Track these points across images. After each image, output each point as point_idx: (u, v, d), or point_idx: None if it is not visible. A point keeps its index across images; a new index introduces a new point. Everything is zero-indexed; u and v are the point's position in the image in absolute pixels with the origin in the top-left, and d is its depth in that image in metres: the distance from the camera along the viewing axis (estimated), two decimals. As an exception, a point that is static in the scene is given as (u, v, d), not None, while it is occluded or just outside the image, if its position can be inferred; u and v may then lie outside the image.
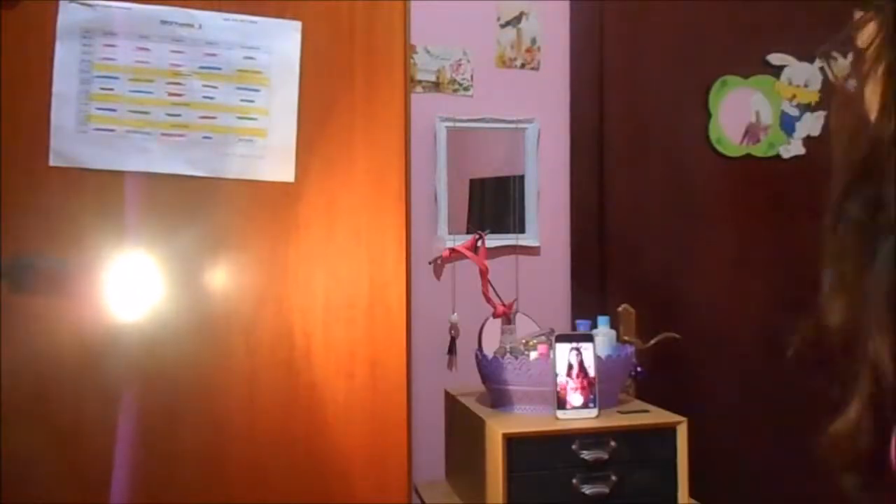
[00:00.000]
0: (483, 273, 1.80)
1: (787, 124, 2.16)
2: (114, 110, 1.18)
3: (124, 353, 1.16)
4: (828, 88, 2.17)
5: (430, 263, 1.99)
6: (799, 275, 2.30)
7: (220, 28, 1.21)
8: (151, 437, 1.17)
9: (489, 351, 1.69)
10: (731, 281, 2.13)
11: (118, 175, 1.18)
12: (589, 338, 1.59)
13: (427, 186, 2.00)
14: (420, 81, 2.00)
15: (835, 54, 0.57)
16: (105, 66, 1.17)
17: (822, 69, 2.16)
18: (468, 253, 1.84)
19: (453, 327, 1.99)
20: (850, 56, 0.55)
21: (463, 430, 1.72)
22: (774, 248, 2.15)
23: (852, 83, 0.55)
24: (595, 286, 2.06)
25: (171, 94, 1.19)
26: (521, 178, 2.06)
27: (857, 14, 0.54)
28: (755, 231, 2.16)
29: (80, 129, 1.16)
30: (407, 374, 1.28)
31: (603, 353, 1.62)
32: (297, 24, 1.24)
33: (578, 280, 2.09)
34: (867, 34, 0.53)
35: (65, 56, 1.16)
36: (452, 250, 1.93)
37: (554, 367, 1.56)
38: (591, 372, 1.56)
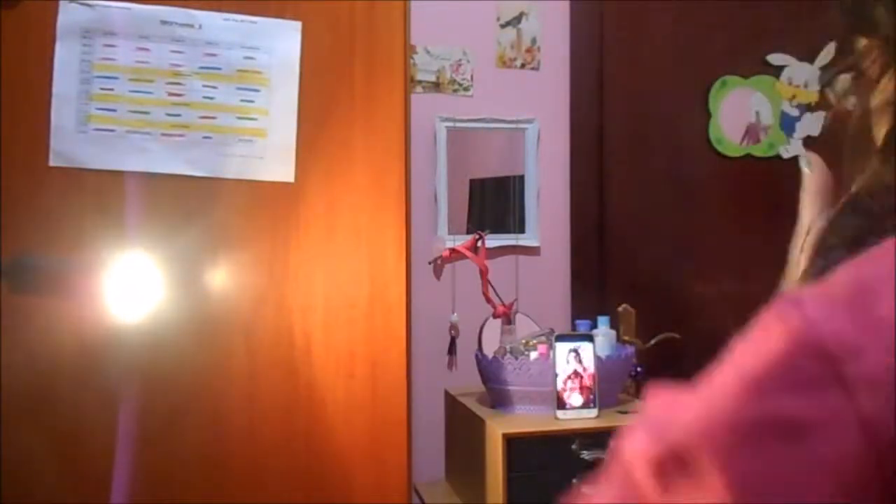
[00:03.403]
0: (483, 273, 1.80)
1: (787, 124, 2.17)
2: (114, 110, 1.18)
3: (124, 353, 1.16)
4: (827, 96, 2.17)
5: (430, 263, 1.99)
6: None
7: (220, 28, 1.21)
8: (151, 437, 1.17)
9: (489, 351, 1.70)
10: (731, 281, 2.13)
11: (118, 175, 1.17)
12: (589, 338, 1.59)
13: (427, 186, 2.00)
14: (420, 81, 2.00)
15: (837, 78, 0.57)
16: (105, 66, 1.17)
17: (824, 67, 2.16)
18: (468, 253, 1.84)
19: (453, 327, 1.98)
20: (851, 79, 0.56)
21: (463, 430, 1.72)
22: (774, 248, 2.15)
23: (852, 101, 0.55)
24: (595, 286, 2.06)
25: (171, 94, 1.19)
26: (521, 178, 2.06)
27: (863, 41, 0.54)
28: (755, 231, 2.16)
29: (80, 129, 1.16)
30: (407, 374, 1.28)
31: (603, 353, 1.62)
32: (297, 24, 1.24)
33: (578, 280, 2.09)
34: (873, 61, 0.53)
35: (65, 56, 1.16)
36: (452, 250, 1.93)
37: (554, 367, 1.56)
38: (591, 372, 1.56)
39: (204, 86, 1.20)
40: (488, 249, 1.90)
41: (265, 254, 1.23)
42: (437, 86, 2.02)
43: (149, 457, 1.17)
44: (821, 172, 0.59)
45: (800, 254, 0.56)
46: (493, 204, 2.09)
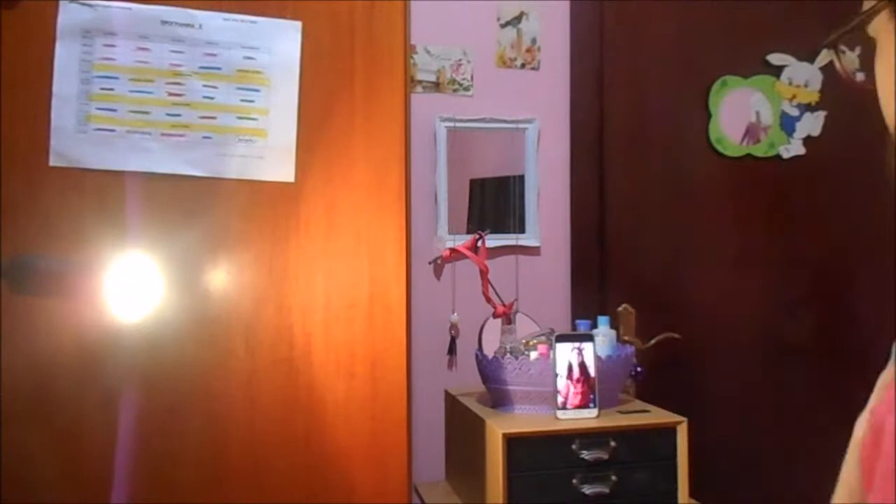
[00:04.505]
0: (483, 273, 1.80)
1: (787, 124, 2.17)
2: (114, 110, 1.18)
3: (124, 353, 1.16)
4: (828, 88, 2.17)
5: (430, 263, 1.99)
6: (798, 275, 2.32)
7: (220, 28, 1.21)
8: (151, 437, 1.17)
9: (489, 351, 1.69)
10: (731, 281, 2.13)
11: (118, 175, 1.18)
12: (589, 338, 1.59)
13: (427, 186, 2.00)
14: (420, 81, 2.00)
15: (843, 47, 0.57)
16: (105, 66, 1.17)
17: (824, 67, 2.16)
18: (468, 253, 1.84)
19: (453, 327, 1.99)
20: (858, 49, 0.55)
21: (463, 430, 1.72)
22: (774, 248, 2.16)
23: (861, 76, 0.55)
24: (595, 286, 2.06)
25: (171, 94, 1.19)
26: (521, 178, 2.06)
27: (867, 4, 0.53)
28: (755, 231, 2.16)
29: (80, 129, 1.16)
30: (407, 374, 1.28)
31: (603, 353, 1.62)
32: (297, 24, 1.24)
33: (578, 280, 2.09)
34: (881, 23, 0.52)
35: (65, 56, 1.16)
36: (452, 250, 1.93)
37: (554, 367, 1.56)
38: (591, 372, 1.56)
39: (204, 86, 1.20)
40: (488, 249, 1.90)
41: (265, 254, 1.23)
42: (437, 86, 2.02)
43: (149, 457, 1.17)
44: None
45: None
46: (493, 204, 2.09)
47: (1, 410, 1.11)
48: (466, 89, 2.03)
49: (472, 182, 2.07)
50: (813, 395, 2.14)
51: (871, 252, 2.18)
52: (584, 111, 2.08)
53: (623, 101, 2.09)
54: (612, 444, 1.51)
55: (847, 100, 2.17)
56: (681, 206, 2.12)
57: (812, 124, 2.17)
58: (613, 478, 1.50)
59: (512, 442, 1.47)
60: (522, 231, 2.06)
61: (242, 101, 1.22)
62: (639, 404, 1.69)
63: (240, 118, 1.22)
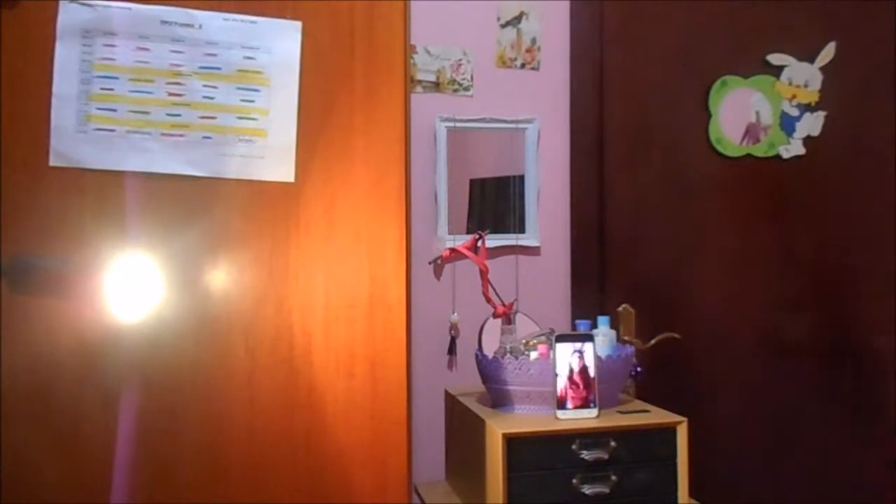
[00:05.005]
0: (483, 273, 1.80)
1: (787, 124, 2.17)
2: (114, 110, 1.18)
3: (124, 353, 1.16)
4: (828, 88, 2.17)
5: (430, 263, 1.99)
6: (799, 275, 2.32)
7: (220, 28, 1.21)
8: (151, 437, 1.17)
9: (489, 351, 1.69)
10: (731, 281, 2.13)
11: (118, 175, 1.18)
12: (589, 338, 1.59)
13: (427, 186, 2.00)
14: (420, 81, 2.00)
15: None
16: (105, 66, 1.17)
17: (824, 67, 2.16)
18: (468, 253, 1.84)
19: (453, 327, 1.99)
20: None
21: (463, 430, 1.72)
22: (774, 248, 2.16)
23: None
24: (595, 286, 2.06)
25: (171, 94, 1.19)
26: (521, 178, 2.07)
27: None
28: (755, 231, 2.16)
29: (80, 129, 1.16)
30: (407, 374, 1.28)
31: (603, 353, 1.62)
32: (297, 24, 1.24)
33: (578, 280, 2.09)
34: None
35: (65, 56, 1.16)
36: (452, 250, 1.93)
37: (554, 367, 1.56)
38: (591, 372, 1.56)
39: (204, 86, 1.21)
40: (488, 249, 1.90)
41: (265, 254, 1.23)
42: (437, 86, 2.02)
43: (148, 456, 1.17)
44: None
45: None
46: (493, 204, 2.09)
47: (1, 410, 1.11)
48: (466, 89, 2.03)
49: (472, 182, 2.07)
50: (813, 395, 2.14)
51: (871, 252, 2.18)
52: (584, 111, 2.09)
53: (623, 101, 2.09)
54: (612, 444, 1.51)
55: (847, 100, 2.18)
56: (681, 206, 2.12)
57: (812, 124, 2.17)
58: (613, 478, 1.50)
59: (512, 442, 1.47)
60: (522, 231, 2.06)
61: (242, 101, 1.22)
62: (639, 404, 1.69)
63: (240, 118, 1.22)
